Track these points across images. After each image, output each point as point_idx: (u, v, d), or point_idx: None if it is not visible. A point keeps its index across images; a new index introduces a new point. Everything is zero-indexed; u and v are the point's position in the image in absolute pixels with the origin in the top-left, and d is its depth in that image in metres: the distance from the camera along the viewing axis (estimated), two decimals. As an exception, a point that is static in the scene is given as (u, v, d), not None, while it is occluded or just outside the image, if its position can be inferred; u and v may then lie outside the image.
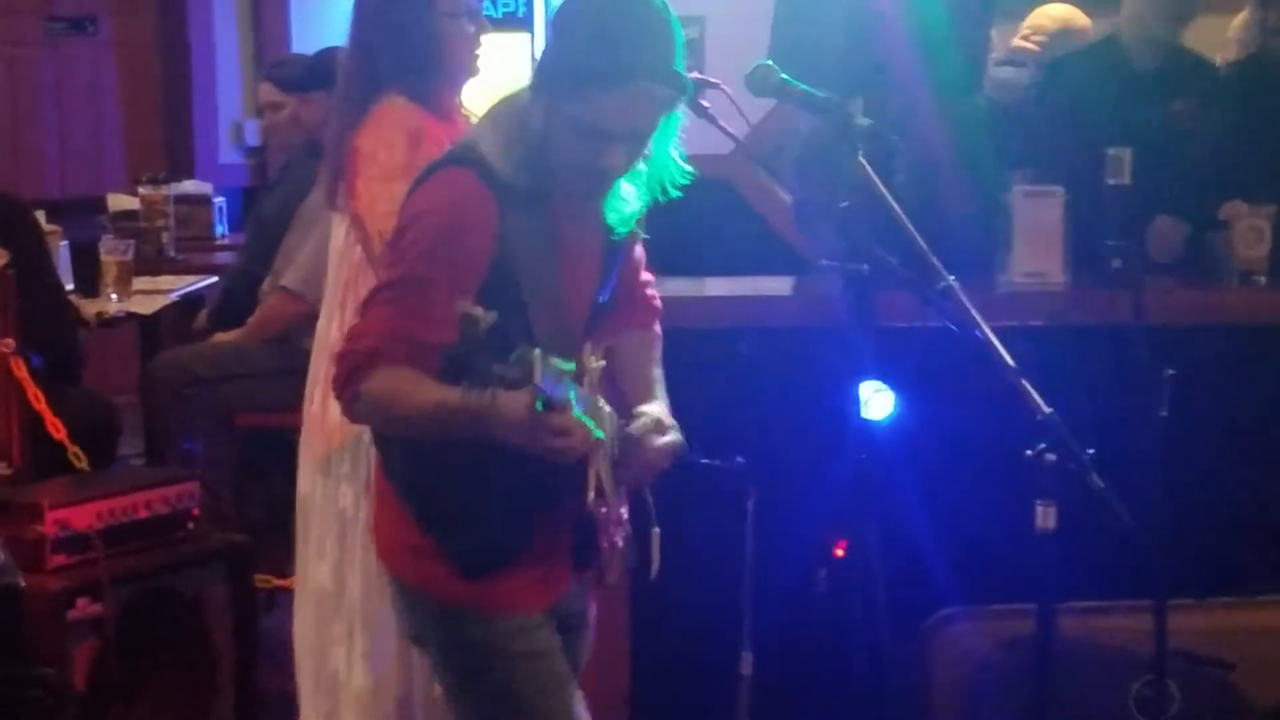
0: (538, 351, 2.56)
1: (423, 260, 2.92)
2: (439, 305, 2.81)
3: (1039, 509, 3.19)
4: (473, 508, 3.01)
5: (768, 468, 4.31)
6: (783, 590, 4.23)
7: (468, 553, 3.02)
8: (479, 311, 2.54)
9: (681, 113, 3.00)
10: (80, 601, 4.37)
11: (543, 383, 2.55)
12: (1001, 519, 3.62)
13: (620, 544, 3.14)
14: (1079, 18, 6.07)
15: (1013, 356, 3.17)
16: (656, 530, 3.26)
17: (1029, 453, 3.15)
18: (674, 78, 2.91)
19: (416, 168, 3.28)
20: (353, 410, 2.96)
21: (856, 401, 3.63)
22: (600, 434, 2.90)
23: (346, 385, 2.92)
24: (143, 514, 4.68)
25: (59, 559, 4.45)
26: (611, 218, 3.09)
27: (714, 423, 4.56)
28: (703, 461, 4.41)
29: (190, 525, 4.79)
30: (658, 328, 3.40)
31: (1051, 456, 3.13)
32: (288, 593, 5.26)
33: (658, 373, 3.29)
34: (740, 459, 4.16)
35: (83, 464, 5.01)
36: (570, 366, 2.65)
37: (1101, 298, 4.59)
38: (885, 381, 3.67)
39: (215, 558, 4.78)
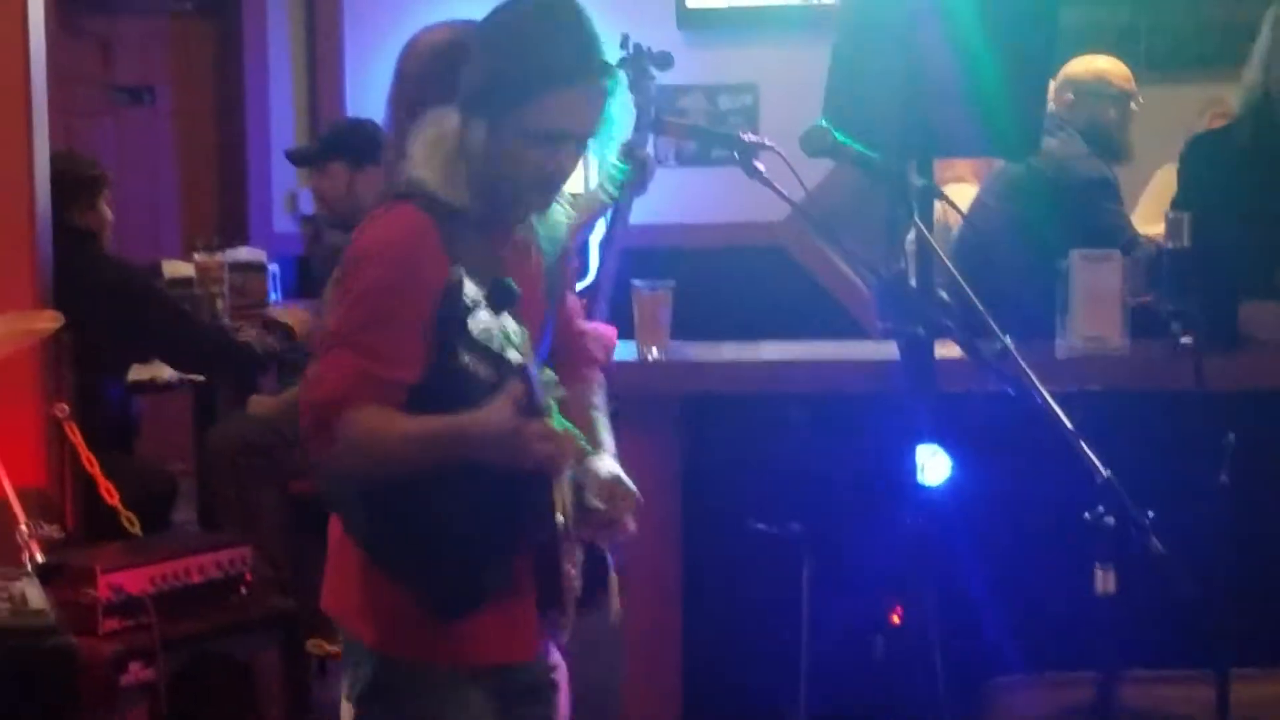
0: (525, 333, 2.60)
1: (374, 298, 2.90)
2: (397, 341, 2.85)
3: (1098, 573, 3.13)
4: (441, 545, 2.96)
5: (823, 533, 4.28)
6: (839, 657, 4.19)
7: (441, 592, 2.98)
8: (465, 277, 2.56)
9: (614, 113, 3.02)
10: (132, 666, 4.37)
11: (531, 367, 2.59)
12: (1060, 583, 3.56)
13: (577, 591, 3.10)
14: (1088, 66, 6.00)
15: (1071, 420, 3.13)
16: (614, 576, 3.24)
17: (1088, 516, 3.10)
18: (608, 68, 2.97)
19: None
20: (332, 460, 2.89)
21: (913, 466, 3.60)
22: (586, 444, 2.87)
23: (318, 435, 2.87)
24: (195, 578, 4.68)
25: (111, 623, 4.45)
26: (542, 239, 3.12)
27: (769, 488, 4.55)
28: (758, 527, 4.39)
29: (243, 590, 4.79)
30: (598, 374, 3.37)
31: (1110, 520, 3.08)
32: (339, 659, 5.25)
33: (604, 420, 3.27)
34: (795, 525, 4.13)
35: (135, 528, 5.01)
36: (550, 374, 2.67)
37: (1161, 362, 4.55)
38: (942, 445, 3.64)
39: (267, 623, 4.77)
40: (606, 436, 3.24)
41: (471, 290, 2.59)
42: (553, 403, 2.71)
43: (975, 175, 6.65)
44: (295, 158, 6.71)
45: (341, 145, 6.12)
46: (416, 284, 2.89)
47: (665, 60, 4.84)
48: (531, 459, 2.77)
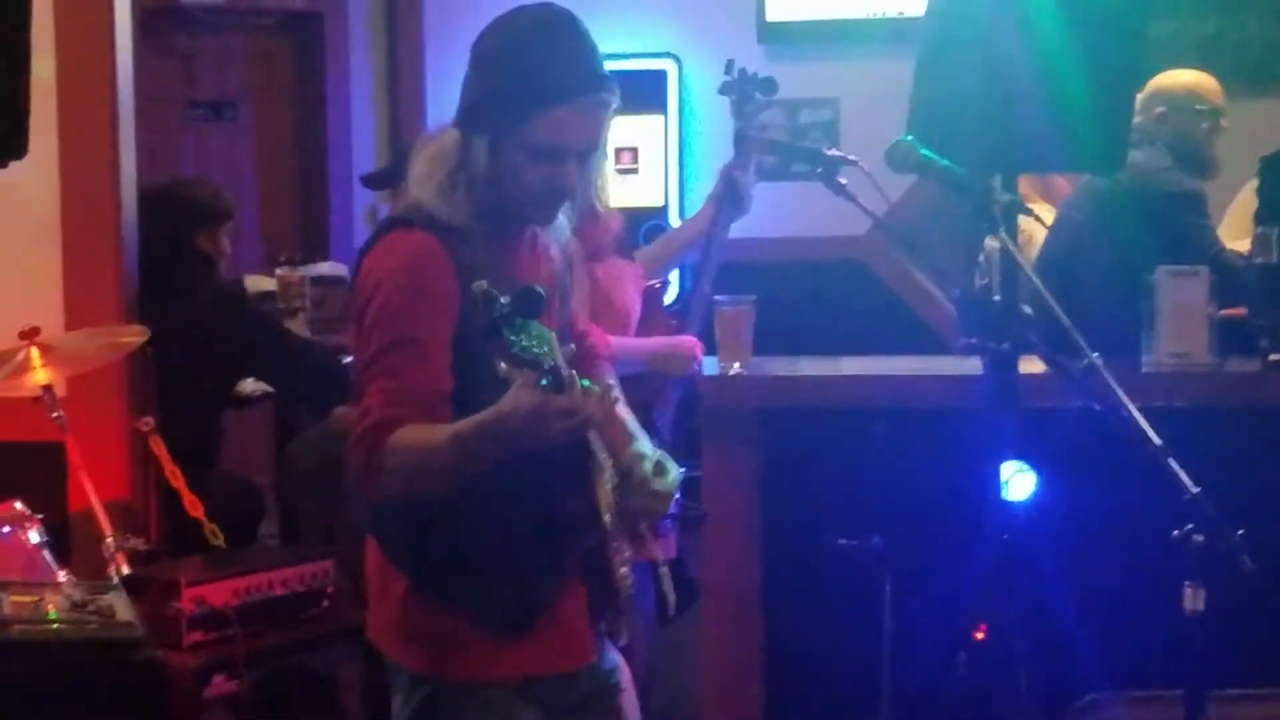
0: (553, 334, 2.60)
1: (395, 323, 2.90)
2: (427, 357, 2.86)
3: (1187, 591, 3.11)
4: (492, 563, 2.96)
5: (906, 549, 4.26)
6: (921, 674, 4.16)
7: (499, 610, 2.98)
8: (493, 289, 2.55)
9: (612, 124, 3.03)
10: (216, 678, 4.39)
11: (563, 367, 2.59)
12: (1148, 601, 3.54)
13: (630, 588, 3.10)
14: (1182, 79, 5.95)
15: (1158, 436, 3.11)
16: (665, 569, 3.25)
17: (1176, 533, 3.07)
18: (605, 82, 2.96)
19: None
20: (380, 485, 2.87)
21: (997, 482, 3.58)
22: (600, 390, 2.82)
23: (368, 465, 2.86)
24: (279, 591, 4.71)
25: (196, 636, 4.48)
26: (546, 243, 3.12)
27: (851, 504, 4.54)
28: (840, 542, 4.38)
29: (325, 603, 4.81)
30: (609, 369, 3.34)
31: (1199, 537, 3.05)
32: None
33: (628, 411, 3.24)
34: (878, 540, 4.11)
35: (219, 541, 5.04)
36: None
37: (1249, 378, 4.51)
38: (1026, 462, 3.62)
39: (349, 636, 4.78)
40: (636, 428, 3.21)
41: (499, 300, 2.58)
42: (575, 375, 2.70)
43: (1043, 194, 6.61)
44: (372, 182, 6.72)
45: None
46: (427, 301, 2.89)
47: (769, 86, 4.81)
48: (557, 433, 2.71)
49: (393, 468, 2.84)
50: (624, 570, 3.08)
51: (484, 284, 2.57)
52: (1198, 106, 5.87)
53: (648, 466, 3.09)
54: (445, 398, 2.87)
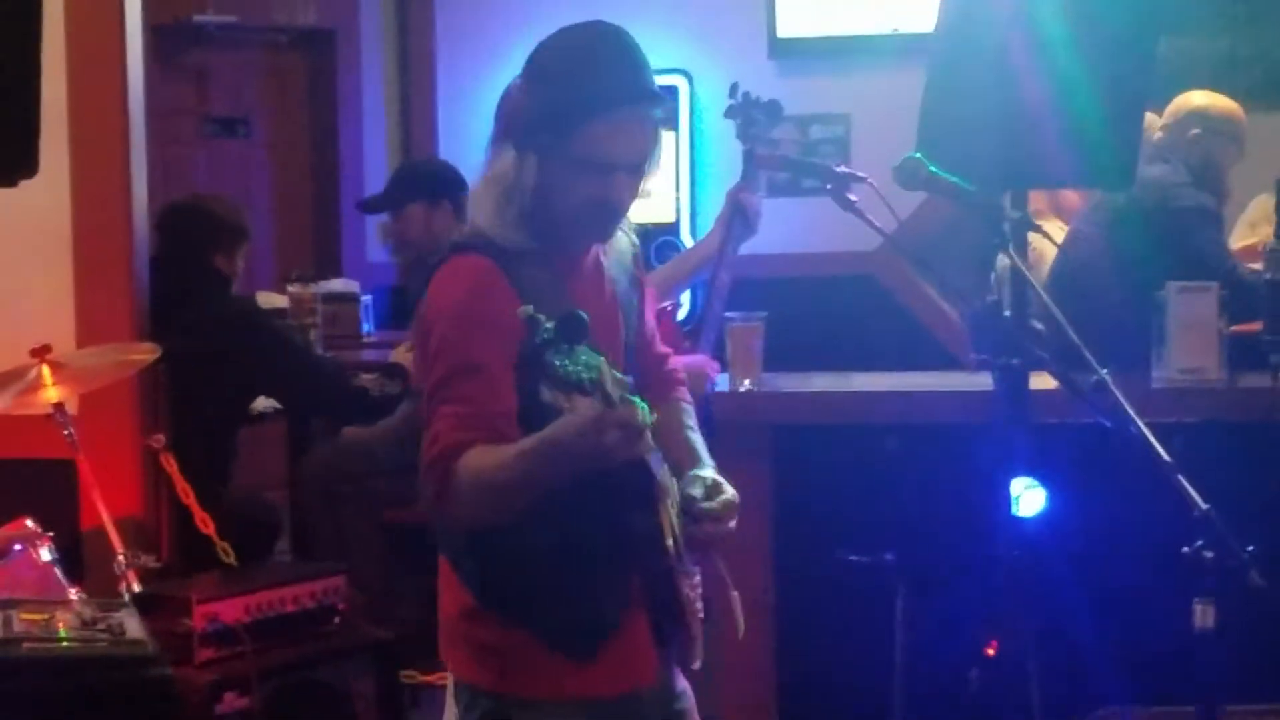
0: (603, 359, 2.58)
1: (456, 350, 2.91)
2: (490, 381, 2.85)
3: (1197, 607, 3.10)
4: (560, 582, 2.96)
5: (916, 565, 4.26)
6: (933, 689, 4.16)
7: (566, 631, 2.98)
8: (538, 314, 2.54)
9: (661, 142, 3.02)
10: (228, 695, 4.40)
11: (610, 387, 2.57)
12: (1158, 617, 3.53)
13: (700, 612, 3.10)
14: (1221, 103, 5.95)
15: (1168, 452, 3.10)
16: (735, 594, 3.22)
17: (1186, 550, 3.07)
18: (653, 96, 2.96)
19: None
20: (456, 509, 2.89)
21: (1008, 498, 3.58)
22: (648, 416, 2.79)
23: (442, 491, 2.87)
24: (290, 608, 4.71)
25: (207, 652, 4.48)
26: (611, 266, 3.12)
27: (863, 519, 4.54)
28: (851, 558, 4.38)
29: (337, 620, 4.81)
30: (686, 395, 3.35)
31: (1209, 554, 3.05)
32: (432, 689, 5.27)
33: (698, 437, 3.25)
34: (889, 556, 4.11)
35: (230, 559, 5.05)
36: (628, 379, 2.66)
37: (1260, 394, 4.51)
38: (1037, 478, 3.62)
39: (362, 652, 4.79)
40: (704, 453, 3.22)
41: (544, 326, 2.58)
42: (629, 395, 2.68)
43: (1054, 210, 6.61)
44: (368, 206, 6.73)
45: (416, 186, 6.16)
46: (487, 327, 2.88)
47: (774, 110, 4.80)
48: (612, 446, 2.69)
49: (465, 490, 2.85)
50: (692, 593, 3.08)
51: (529, 309, 2.56)
52: (1233, 132, 5.86)
53: (698, 489, 3.07)
54: (512, 419, 2.86)
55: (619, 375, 2.65)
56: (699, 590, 3.11)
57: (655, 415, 2.81)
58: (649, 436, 2.75)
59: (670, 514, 2.99)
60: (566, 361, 2.55)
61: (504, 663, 3.01)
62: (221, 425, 5.94)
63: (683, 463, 3.15)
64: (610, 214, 3.01)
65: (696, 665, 3.17)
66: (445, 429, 2.87)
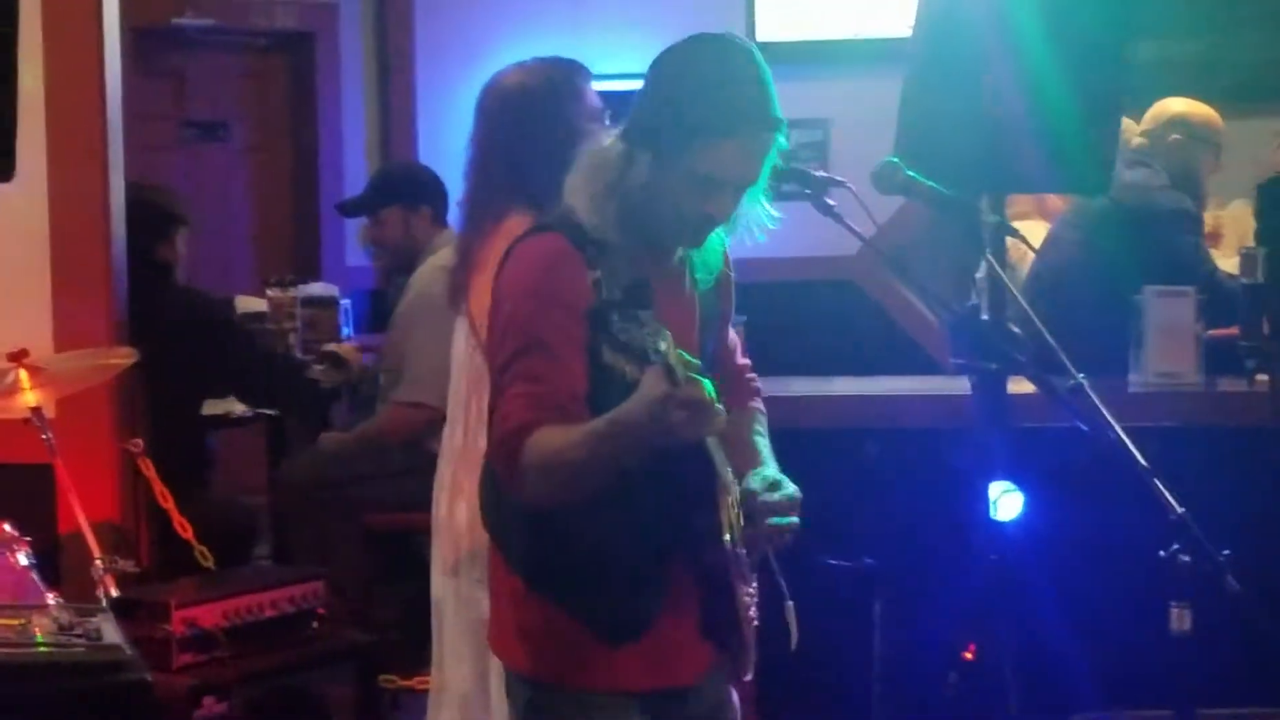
0: (667, 331, 2.60)
1: (526, 328, 2.92)
2: (560, 360, 2.86)
3: (1174, 611, 3.11)
4: (609, 567, 2.97)
5: (896, 569, 4.26)
6: (912, 693, 4.17)
7: (611, 615, 2.99)
8: (606, 279, 2.59)
9: (778, 159, 3.01)
10: (206, 700, 4.38)
11: (673, 361, 2.59)
12: (1135, 621, 3.55)
13: (754, 619, 3.09)
14: (1201, 110, 5.97)
15: (1145, 457, 3.11)
16: (791, 604, 3.21)
17: (1163, 553, 3.08)
18: (778, 123, 2.97)
19: None
20: (524, 487, 2.89)
21: (986, 502, 3.59)
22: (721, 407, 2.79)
23: (509, 470, 2.89)
24: (269, 613, 4.70)
25: (186, 658, 4.47)
26: (697, 266, 3.11)
27: (841, 524, 4.53)
28: (830, 563, 4.38)
29: (316, 624, 4.80)
30: (760, 404, 3.36)
31: (1186, 558, 3.06)
32: (412, 694, 5.26)
33: (765, 443, 3.26)
34: (868, 560, 4.12)
35: (209, 563, 5.04)
36: (696, 361, 2.68)
37: (1236, 398, 4.52)
38: (1015, 482, 3.63)
39: (341, 657, 4.78)
40: (768, 456, 3.22)
41: (611, 290, 2.59)
42: (697, 376, 2.69)
43: (1039, 211, 6.63)
44: (346, 209, 6.71)
45: (395, 190, 6.16)
46: (557, 304, 2.89)
47: None
48: (676, 426, 2.69)
49: (533, 470, 2.85)
50: (748, 599, 3.08)
51: (598, 274, 2.59)
52: (1214, 139, 5.88)
53: (758, 483, 3.06)
54: (581, 399, 2.87)
55: (687, 356, 2.66)
56: (754, 598, 3.11)
57: (727, 412, 2.81)
58: (718, 417, 2.74)
59: (730, 513, 3.00)
60: (631, 325, 2.59)
61: (546, 650, 3.03)
62: (188, 424, 5.93)
63: (747, 465, 3.15)
64: (710, 225, 3.03)
65: (748, 677, 3.17)
66: (514, 408, 2.88)
